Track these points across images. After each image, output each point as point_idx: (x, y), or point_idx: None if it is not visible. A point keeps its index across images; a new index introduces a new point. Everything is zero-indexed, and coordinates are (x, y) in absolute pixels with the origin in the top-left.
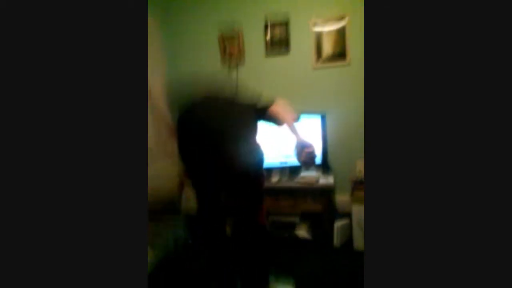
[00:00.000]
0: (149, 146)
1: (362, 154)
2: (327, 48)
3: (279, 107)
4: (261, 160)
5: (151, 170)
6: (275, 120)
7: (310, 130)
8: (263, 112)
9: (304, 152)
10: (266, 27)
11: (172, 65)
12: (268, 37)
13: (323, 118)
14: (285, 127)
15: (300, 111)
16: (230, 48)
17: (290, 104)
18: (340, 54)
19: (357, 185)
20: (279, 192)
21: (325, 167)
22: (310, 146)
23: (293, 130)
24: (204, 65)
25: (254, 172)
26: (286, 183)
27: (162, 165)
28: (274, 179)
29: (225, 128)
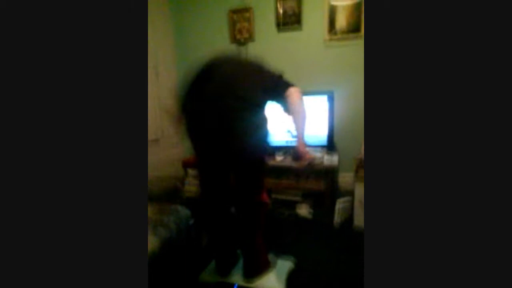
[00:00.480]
0: (155, 137)
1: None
2: (341, 22)
3: (297, 94)
4: (267, 136)
5: (157, 160)
6: (287, 105)
7: (317, 108)
8: (279, 91)
9: (300, 158)
10: None
11: (179, 43)
12: (280, 10)
13: (331, 97)
14: (293, 118)
15: (308, 89)
16: (240, 23)
17: (299, 84)
18: (354, 29)
19: (361, 164)
20: (282, 171)
21: (330, 146)
22: (305, 154)
23: (300, 127)
24: (213, 42)
25: (259, 149)
26: (290, 161)
27: (167, 154)
28: (279, 157)
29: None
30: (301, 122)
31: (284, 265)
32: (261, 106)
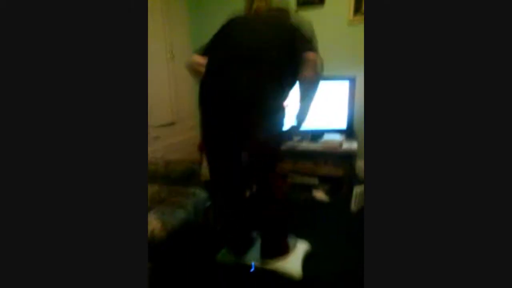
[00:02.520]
0: (171, 120)
1: None
2: None
3: (316, 59)
4: (282, 126)
5: (173, 143)
6: (303, 70)
7: (338, 93)
8: (298, 52)
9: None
10: None
11: (195, 26)
12: None
13: (352, 82)
14: (302, 87)
15: (329, 73)
16: (257, 2)
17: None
18: None
19: None
20: (300, 155)
21: (349, 132)
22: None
23: (308, 101)
24: None
25: (275, 138)
26: (309, 145)
27: (184, 138)
28: (295, 139)
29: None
30: (307, 103)
31: (300, 248)
32: (285, 79)
